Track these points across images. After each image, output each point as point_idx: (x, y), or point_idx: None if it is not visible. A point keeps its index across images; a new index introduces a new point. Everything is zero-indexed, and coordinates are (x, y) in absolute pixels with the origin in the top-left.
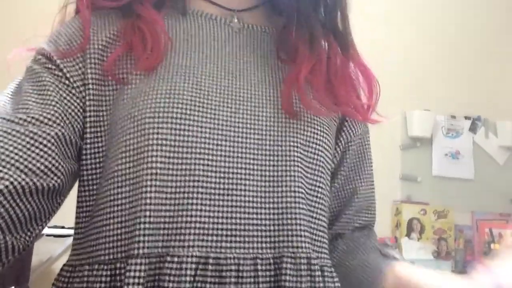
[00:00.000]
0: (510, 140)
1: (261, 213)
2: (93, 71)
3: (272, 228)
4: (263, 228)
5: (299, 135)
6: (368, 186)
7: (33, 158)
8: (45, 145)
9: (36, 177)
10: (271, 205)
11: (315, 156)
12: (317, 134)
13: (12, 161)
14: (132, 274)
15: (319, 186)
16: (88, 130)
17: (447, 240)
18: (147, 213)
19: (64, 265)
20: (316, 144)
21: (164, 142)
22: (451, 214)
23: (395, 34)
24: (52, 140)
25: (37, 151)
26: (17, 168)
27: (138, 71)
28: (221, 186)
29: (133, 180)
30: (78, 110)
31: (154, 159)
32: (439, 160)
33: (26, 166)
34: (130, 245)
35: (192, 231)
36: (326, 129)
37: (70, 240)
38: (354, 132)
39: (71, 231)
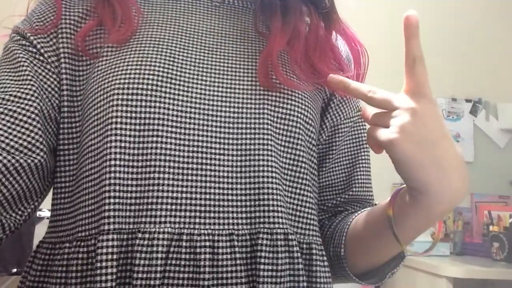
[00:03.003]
0: (511, 123)
1: (236, 188)
2: (66, 45)
3: (247, 203)
4: (239, 203)
5: (276, 108)
6: (365, 177)
7: (15, 136)
8: (25, 122)
9: (20, 154)
10: (247, 180)
11: (294, 129)
12: (296, 107)
13: (2, 143)
14: (104, 250)
15: (300, 161)
16: (64, 104)
17: (446, 222)
18: (113, 187)
19: (42, 242)
20: (294, 116)
21: (133, 114)
22: None
23: (396, 16)
24: (33, 116)
25: (18, 128)
26: (0, 147)
27: (109, 44)
28: (194, 160)
29: (101, 154)
30: (55, 86)
31: (122, 132)
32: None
33: (8, 144)
34: (100, 221)
35: (164, 206)
36: (307, 103)
37: None
38: (343, 114)
39: None
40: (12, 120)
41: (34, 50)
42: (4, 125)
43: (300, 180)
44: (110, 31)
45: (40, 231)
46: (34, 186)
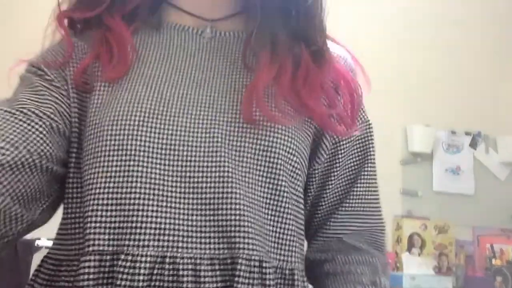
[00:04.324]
0: (510, 156)
1: (217, 214)
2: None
3: (228, 229)
4: (220, 229)
5: (257, 141)
6: (364, 189)
7: (31, 141)
8: (40, 132)
9: (33, 156)
10: (225, 206)
11: (275, 160)
12: (277, 139)
13: (12, 142)
14: (84, 270)
15: (282, 191)
16: (75, 131)
17: (448, 256)
18: (95, 213)
19: (47, 257)
20: (276, 148)
21: (120, 147)
22: (452, 229)
23: (396, 49)
24: (47, 129)
25: (34, 136)
26: (17, 148)
27: (103, 81)
28: (178, 189)
29: (89, 182)
30: (67, 111)
31: (108, 163)
32: (439, 175)
33: (25, 147)
34: (84, 243)
35: (148, 231)
36: (290, 133)
37: None
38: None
39: None
40: (29, 127)
41: (49, 78)
42: (22, 130)
43: (281, 209)
44: (105, 69)
45: (37, 260)
46: (43, 189)
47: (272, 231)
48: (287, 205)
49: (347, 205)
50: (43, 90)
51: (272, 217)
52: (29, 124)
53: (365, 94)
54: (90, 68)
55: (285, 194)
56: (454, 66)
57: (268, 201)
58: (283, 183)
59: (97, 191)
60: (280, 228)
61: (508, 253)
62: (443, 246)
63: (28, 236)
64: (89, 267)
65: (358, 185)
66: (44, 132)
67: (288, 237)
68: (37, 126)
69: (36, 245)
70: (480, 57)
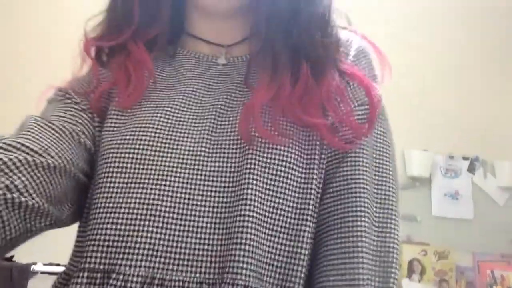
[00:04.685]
0: (509, 181)
1: (213, 239)
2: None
3: (220, 253)
4: (213, 253)
5: (257, 161)
6: (352, 168)
7: (62, 149)
8: (69, 143)
9: (64, 162)
10: (223, 231)
11: (279, 178)
12: (276, 156)
13: (46, 146)
14: (73, 286)
15: (281, 209)
16: (97, 148)
17: (449, 282)
18: (93, 231)
19: (63, 272)
20: (275, 165)
21: (123, 170)
22: (452, 255)
23: (393, 73)
24: (75, 142)
25: (64, 145)
26: (49, 152)
27: (116, 108)
28: (175, 210)
29: (93, 203)
30: (92, 131)
31: (110, 184)
32: (438, 200)
33: (56, 153)
34: (80, 259)
35: (141, 251)
36: (288, 152)
37: None
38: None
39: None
40: (60, 137)
41: (77, 101)
42: (55, 138)
43: (279, 228)
44: (120, 96)
45: (33, 286)
46: (68, 193)
47: (268, 251)
48: (284, 224)
49: (332, 189)
50: (71, 110)
51: (270, 237)
52: (60, 135)
53: (387, 81)
54: (108, 93)
55: (284, 213)
56: (451, 91)
57: (266, 219)
58: (287, 202)
59: (98, 210)
60: (276, 249)
61: (509, 279)
62: (443, 272)
63: (24, 261)
64: (79, 283)
65: (344, 165)
66: (72, 144)
67: (283, 259)
68: (66, 138)
69: (32, 270)
70: (478, 82)
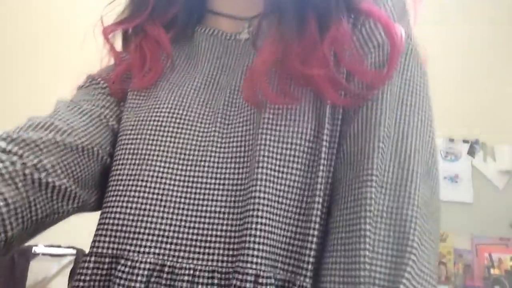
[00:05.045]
0: (509, 164)
1: (226, 224)
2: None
3: (233, 240)
4: (226, 240)
5: (268, 136)
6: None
7: (90, 132)
8: (98, 126)
9: (92, 144)
10: (236, 216)
11: (290, 152)
12: (289, 126)
13: (75, 127)
14: (80, 271)
15: (294, 186)
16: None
17: (447, 265)
18: (103, 215)
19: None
20: (289, 138)
21: (135, 151)
22: (451, 238)
23: None
24: (103, 125)
25: (93, 127)
26: (77, 134)
27: (132, 89)
28: (187, 194)
29: (108, 185)
30: (119, 116)
31: (122, 166)
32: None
33: (85, 135)
34: (92, 244)
35: (150, 237)
36: (299, 117)
37: (66, 260)
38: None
39: (67, 250)
40: (88, 120)
41: (103, 86)
42: (87, 123)
43: (293, 209)
44: (135, 77)
45: (34, 268)
46: (97, 178)
47: (282, 235)
48: (297, 203)
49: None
50: (98, 95)
51: (283, 219)
52: (89, 117)
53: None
54: (127, 75)
55: (297, 191)
56: (452, 74)
57: (279, 199)
58: (297, 177)
59: (109, 194)
60: (290, 231)
61: (506, 262)
62: (441, 255)
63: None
64: (86, 267)
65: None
66: (101, 127)
67: (297, 242)
68: (95, 120)
69: (33, 251)
70: (478, 65)
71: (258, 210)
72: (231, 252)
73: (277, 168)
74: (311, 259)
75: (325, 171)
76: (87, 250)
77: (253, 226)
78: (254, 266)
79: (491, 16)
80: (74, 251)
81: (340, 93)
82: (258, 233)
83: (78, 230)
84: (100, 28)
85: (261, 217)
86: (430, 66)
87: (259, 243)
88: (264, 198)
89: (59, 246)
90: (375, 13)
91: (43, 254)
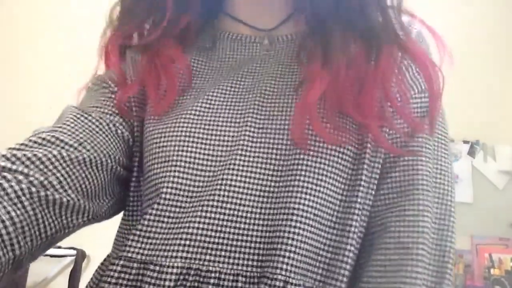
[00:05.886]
0: (509, 165)
1: (253, 229)
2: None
3: (261, 246)
4: (252, 245)
5: (308, 152)
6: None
7: (98, 142)
8: (107, 135)
9: (100, 155)
10: (265, 222)
11: (329, 169)
12: (331, 150)
13: (81, 140)
14: (108, 273)
15: (332, 202)
16: (137, 144)
17: None
18: (140, 221)
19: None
20: (330, 156)
21: (167, 158)
22: None
23: None
24: (112, 133)
25: (101, 137)
26: (85, 146)
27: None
28: (216, 198)
29: (142, 191)
30: (130, 121)
31: (156, 175)
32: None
33: (92, 147)
34: (119, 248)
35: (177, 241)
36: (342, 147)
37: (66, 260)
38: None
39: (67, 251)
40: (97, 129)
41: (114, 90)
42: (91, 130)
43: (327, 222)
44: (153, 103)
45: (34, 270)
46: (107, 188)
47: (314, 246)
48: (332, 218)
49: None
50: (109, 100)
51: (316, 230)
52: (97, 126)
53: (449, 68)
54: (137, 96)
55: (332, 206)
56: (452, 75)
57: (315, 211)
58: (333, 193)
59: (143, 201)
60: (322, 243)
61: (506, 262)
62: None
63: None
64: (113, 270)
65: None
66: (110, 136)
67: (328, 254)
68: (104, 130)
69: None
70: (479, 65)
71: (293, 220)
72: (256, 257)
73: (314, 181)
74: (347, 272)
75: (363, 191)
76: (87, 251)
77: (286, 235)
78: (283, 273)
79: (491, 17)
80: (74, 252)
81: (387, 138)
82: (290, 241)
83: (79, 231)
84: (105, 44)
85: (296, 227)
86: None
87: (291, 252)
88: (299, 209)
89: (59, 247)
90: (420, 58)
91: (43, 255)
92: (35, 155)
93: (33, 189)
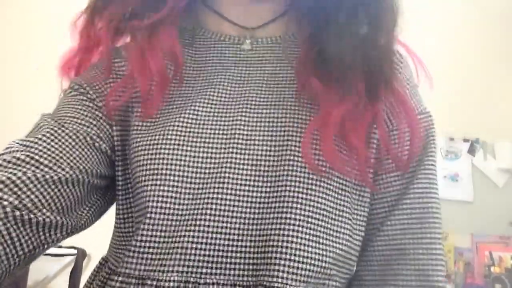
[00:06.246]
0: (509, 163)
1: (245, 240)
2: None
3: (254, 255)
4: (246, 255)
5: (296, 158)
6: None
7: (74, 158)
8: (83, 149)
9: (76, 172)
10: (257, 232)
11: (320, 178)
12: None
13: (57, 158)
14: None
15: (325, 210)
16: (119, 150)
17: (447, 263)
18: (133, 237)
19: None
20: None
21: (155, 171)
22: (451, 236)
23: None
24: (89, 147)
25: (77, 152)
26: (60, 165)
27: (140, 118)
28: (208, 211)
29: (134, 204)
30: (109, 131)
31: (145, 188)
32: (438, 182)
33: (68, 164)
34: (117, 257)
35: (173, 256)
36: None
37: (67, 259)
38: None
39: (68, 250)
40: (73, 143)
41: (91, 97)
42: (67, 146)
43: (321, 229)
44: (142, 99)
45: (35, 268)
46: (79, 197)
47: (313, 252)
48: (326, 224)
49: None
50: (85, 110)
51: (313, 237)
52: (73, 140)
53: (429, 90)
54: (128, 90)
55: (326, 213)
56: (452, 73)
57: (309, 219)
58: (326, 201)
59: (135, 215)
60: (321, 249)
61: (507, 260)
62: None
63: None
64: (113, 286)
65: (416, 185)
66: (86, 149)
67: (328, 260)
68: (80, 143)
69: None
70: (478, 63)
71: (285, 229)
72: (251, 267)
73: (305, 191)
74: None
75: (349, 198)
76: (87, 250)
77: (279, 244)
78: (279, 280)
79: (489, 14)
80: (74, 251)
81: (372, 178)
82: (284, 250)
83: None
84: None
85: (289, 236)
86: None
87: (286, 259)
88: (291, 218)
89: (60, 246)
90: (407, 104)
91: (44, 254)
92: (9, 178)
93: (7, 209)
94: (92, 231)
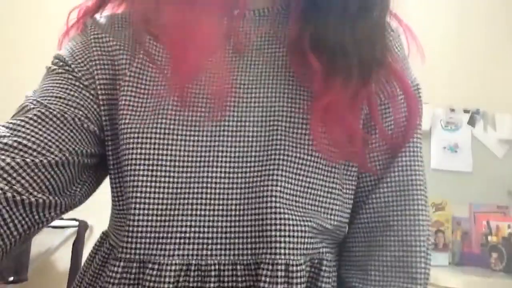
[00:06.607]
0: (509, 134)
1: (243, 220)
2: (101, 76)
3: (252, 234)
4: (244, 234)
5: (286, 138)
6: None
7: (63, 140)
8: (71, 131)
9: (66, 154)
10: (253, 211)
11: (308, 157)
12: (306, 134)
13: (45, 141)
14: (108, 273)
15: (313, 188)
16: (108, 131)
17: (445, 232)
18: (129, 222)
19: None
20: (307, 145)
21: (146, 156)
22: (449, 206)
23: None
24: (77, 128)
25: (65, 134)
26: (49, 149)
27: (129, 82)
28: (203, 195)
29: (124, 190)
30: (97, 110)
31: (137, 172)
32: (437, 153)
33: (57, 146)
34: (118, 241)
35: (173, 240)
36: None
37: (68, 231)
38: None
39: (70, 222)
40: (61, 125)
41: (77, 76)
42: (55, 128)
43: (314, 203)
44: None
45: (37, 240)
46: (78, 176)
47: (302, 231)
48: (315, 202)
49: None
50: (72, 89)
51: (302, 214)
52: (61, 122)
53: (420, 64)
54: (117, 63)
55: (314, 191)
56: (452, 44)
57: (297, 198)
58: (314, 180)
59: (129, 201)
60: (309, 226)
61: (504, 229)
62: (440, 223)
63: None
64: (115, 272)
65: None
66: (75, 131)
67: (318, 236)
68: (68, 125)
69: None
70: (478, 34)
71: (276, 207)
72: (249, 245)
73: (294, 170)
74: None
75: (339, 177)
76: (89, 222)
77: (276, 221)
78: (282, 257)
79: None
80: (76, 223)
81: (368, 159)
82: (282, 227)
83: None
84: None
85: (283, 213)
86: (430, 37)
87: (285, 236)
88: (282, 197)
89: (61, 218)
90: (405, 83)
91: (46, 226)
92: None
93: None
94: (93, 203)
